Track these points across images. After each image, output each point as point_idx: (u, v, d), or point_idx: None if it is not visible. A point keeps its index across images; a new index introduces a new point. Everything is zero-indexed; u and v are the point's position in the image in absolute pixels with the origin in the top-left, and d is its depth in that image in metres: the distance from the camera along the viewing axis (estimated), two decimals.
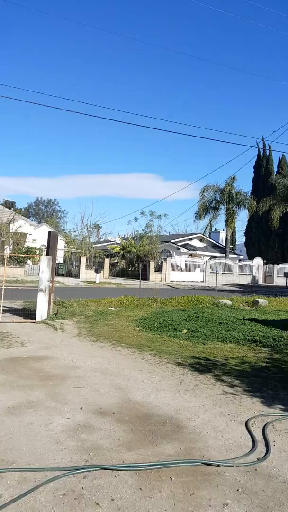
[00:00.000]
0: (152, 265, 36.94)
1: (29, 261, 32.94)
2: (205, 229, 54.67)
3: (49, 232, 14.03)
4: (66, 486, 3.57)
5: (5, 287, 12.77)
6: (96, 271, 32.00)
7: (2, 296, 12.03)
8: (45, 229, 40.37)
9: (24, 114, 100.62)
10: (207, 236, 53.02)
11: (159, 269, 37.48)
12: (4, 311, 12.17)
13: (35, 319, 11.84)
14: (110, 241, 51.77)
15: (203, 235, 51.56)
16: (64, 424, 4.85)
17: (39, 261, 14.01)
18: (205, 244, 49.82)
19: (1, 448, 4.16)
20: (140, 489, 3.58)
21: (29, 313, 12.59)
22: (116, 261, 41.80)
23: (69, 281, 29.01)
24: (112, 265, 40.26)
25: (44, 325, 11.36)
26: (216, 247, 50.56)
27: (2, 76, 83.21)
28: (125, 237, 45.66)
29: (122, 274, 38.80)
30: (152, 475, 3.80)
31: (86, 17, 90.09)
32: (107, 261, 36.93)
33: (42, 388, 6.05)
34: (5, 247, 33.62)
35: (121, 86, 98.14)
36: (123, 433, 4.67)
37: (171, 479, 3.75)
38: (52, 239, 13.24)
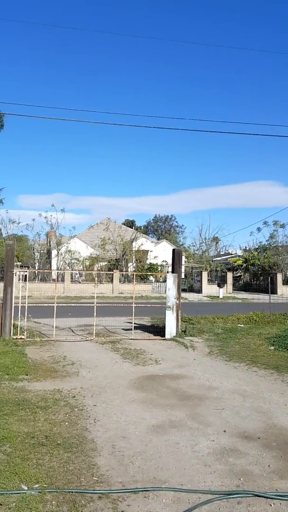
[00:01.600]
0: (279, 277, 35.29)
1: (151, 277, 34.26)
2: None
3: (173, 250, 14.48)
4: (221, 511, 3.62)
5: (133, 305, 13.51)
6: (219, 285, 31.79)
7: (133, 313, 12.74)
8: (164, 245, 41.69)
9: (135, 138, 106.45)
10: None
11: (287, 281, 35.62)
12: (135, 328, 12.86)
13: (164, 336, 12.26)
14: (231, 254, 50.96)
15: None
16: (210, 446, 4.93)
17: (161, 277, 14.49)
18: None
19: (152, 466, 4.41)
20: None
21: (158, 330, 13.08)
22: (239, 274, 40.97)
23: (192, 297, 29.34)
24: (235, 279, 39.53)
25: (174, 342, 11.69)
26: None
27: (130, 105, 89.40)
28: (247, 249, 44.53)
29: (246, 288, 37.81)
30: None
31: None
32: (229, 275, 36.42)
33: (182, 408, 6.24)
34: (129, 264, 35.59)
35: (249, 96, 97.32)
36: (272, 459, 4.56)
37: None
38: (176, 256, 13.65)
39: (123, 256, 34.94)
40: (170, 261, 35.28)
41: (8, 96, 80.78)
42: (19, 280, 13.49)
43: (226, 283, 34.95)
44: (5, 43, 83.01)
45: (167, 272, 31.50)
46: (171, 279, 12.71)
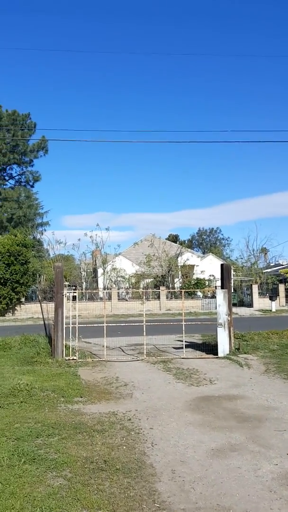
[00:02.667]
0: None
1: (199, 293, 33.93)
2: None
3: (222, 265, 14.34)
4: None
5: (183, 323, 13.43)
6: (271, 298, 30.93)
7: (184, 331, 12.67)
8: (211, 259, 41.24)
9: (175, 154, 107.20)
10: None
11: None
12: (186, 346, 12.76)
13: (217, 354, 12.08)
14: (282, 265, 49.52)
15: None
16: (273, 470, 4.78)
17: (209, 292, 14.34)
18: None
19: (214, 492, 4.34)
20: None
21: (210, 348, 12.91)
22: None
23: (242, 311, 28.71)
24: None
25: (227, 360, 11.48)
26: None
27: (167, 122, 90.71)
28: None
29: None
30: None
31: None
32: (281, 287, 35.34)
33: (241, 430, 6.10)
34: (175, 280, 35.49)
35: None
36: None
37: None
38: (225, 271, 13.49)
39: (169, 272, 34.92)
40: (217, 275, 34.87)
41: (50, 122, 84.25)
42: (67, 299, 13.84)
43: (278, 295, 33.93)
44: (48, 72, 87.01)
45: (215, 287, 31.13)
46: (221, 295, 12.56)
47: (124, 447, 5.52)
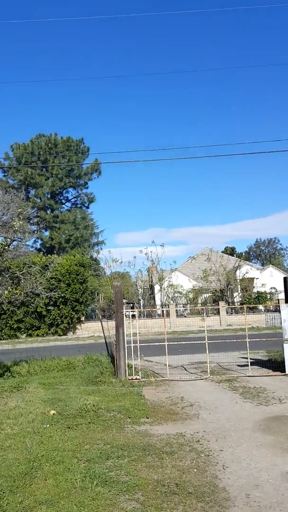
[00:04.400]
0: None
1: (260, 307, 33.02)
2: None
3: (284, 278, 13.93)
4: None
5: (247, 339, 13.12)
6: None
7: (248, 347, 12.37)
8: (271, 271, 40.12)
9: (227, 165, 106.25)
10: None
11: None
12: (251, 363, 12.43)
13: (285, 372, 11.64)
14: None
15: None
16: None
17: (271, 306, 13.89)
18: None
19: None
20: None
21: (276, 365, 12.47)
22: None
23: None
24: None
25: None
26: None
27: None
28: None
29: None
30: None
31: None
32: None
33: None
34: (234, 294, 34.82)
35: None
36: None
37: None
38: None
39: (227, 286, 34.36)
40: (279, 287, 33.72)
41: (102, 145, 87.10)
42: (126, 317, 14.03)
43: None
44: (99, 98, 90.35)
45: (278, 300, 30.10)
46: (285, 310, 12.16)
47: (195, 470, 5.46)
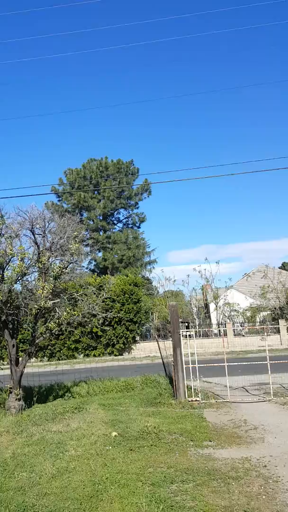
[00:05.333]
0: None
1: None
2: None
3: None
4: None
5: None
6: None
7: None
8: None
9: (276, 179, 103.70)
10: None
11: None
12: None
13: None
14: None
15: None
16: None
17: None
18: None
19: None
20: None
21: None
22: None
23: None
24: None
25: None
26: None
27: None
28: None
29: None
30: None
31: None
32: None
33: None
34: None
35: None
36: None
37: None
38: None
39: (287, 303, 33.21)
40: None
41: (151, 165, 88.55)
42: (182, 337, 13.93)
43: None
44: (148, 120, 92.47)
45: None
46: None
47: (264, 497, 5.28)
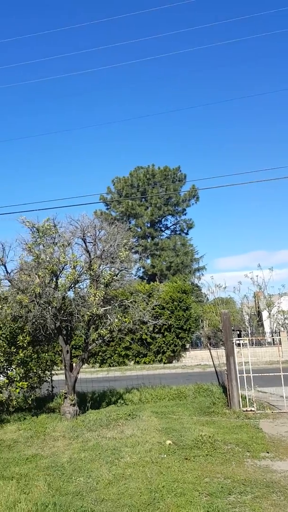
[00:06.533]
0: None
1: None
2: None
3: None
4: None
5: None
6: None
7: None
8: None
9: None
10: None
11: None
12: None
13: None
14: None
15: None
16: None
17: None
18: None
19: None
20: None
21: None
22: None
23: None
24: None
25: None
26: None
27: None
28: None
29: None
30: None
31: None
32: None
33: None
34: None
35: None
36: None
37: None
38: None
39: None
40: None
41: (199, 171, 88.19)
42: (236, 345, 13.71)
43: None
44: (195, 126, 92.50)
45: None
46: None
47: None
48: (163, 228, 47.49)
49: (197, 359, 28.48)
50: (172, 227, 47.67)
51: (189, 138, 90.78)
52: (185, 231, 46.96)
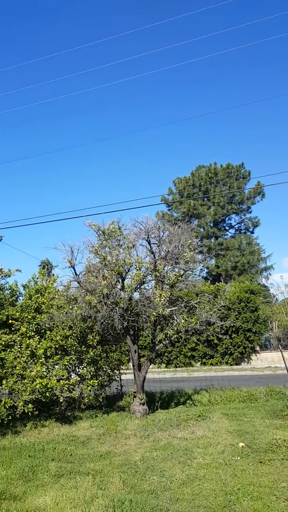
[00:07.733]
0: None
1: None
2: None
3: None
4: None
5: None
6: None
7: None
8: None
9: None
10: None
11: None
12: None
13: None
14: None
15: None
16: None
17: None
18: None
19: None
20: None
21: None
22: None
23: None
24: None
25: None
26: None
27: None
28: None
29: None
30: None
31: None
32: None
33: None
34: None
35: None
36: None
37: None
38: None
39: None
40: None
41: (264, 167, 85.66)
42: None
43: None
44: (256, 123, 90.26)
45: None
46: None
47: None
48: (227, 228, 46.68)
49: (267, 361, 27.63)
50: (236, 226, 46.72)
51: (253, 134, 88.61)
52: (251, 229, 45.81)
